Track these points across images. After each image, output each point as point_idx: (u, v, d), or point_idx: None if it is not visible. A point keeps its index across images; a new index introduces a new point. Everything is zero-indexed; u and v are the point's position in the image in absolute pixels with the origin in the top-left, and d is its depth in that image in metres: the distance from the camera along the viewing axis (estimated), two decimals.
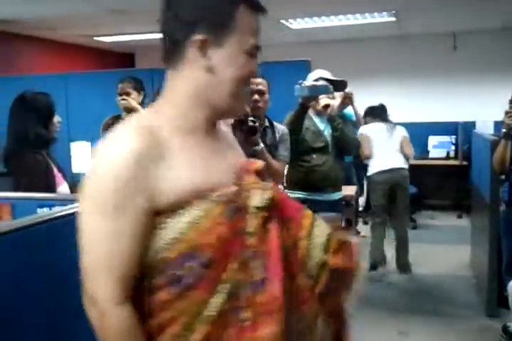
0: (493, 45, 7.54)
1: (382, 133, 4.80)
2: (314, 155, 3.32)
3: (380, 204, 4.75)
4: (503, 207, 3.54)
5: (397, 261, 4.71)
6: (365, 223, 6.59)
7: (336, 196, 3.49)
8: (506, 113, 3.24)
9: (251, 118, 2.51)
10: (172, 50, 1.05)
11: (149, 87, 4.20)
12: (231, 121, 2.26)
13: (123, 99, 3.48)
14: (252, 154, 2.68)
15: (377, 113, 5.02)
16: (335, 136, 3.39)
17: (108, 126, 3.59)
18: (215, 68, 1.03)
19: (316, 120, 3.43)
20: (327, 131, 3.42)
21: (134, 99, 3.47)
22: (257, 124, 2.53)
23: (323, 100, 3.36)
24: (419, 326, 3.67)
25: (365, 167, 6.88)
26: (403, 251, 4.68)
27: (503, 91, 5.67)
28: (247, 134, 2.49)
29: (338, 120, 3.41)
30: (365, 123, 5.12)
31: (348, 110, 5.64)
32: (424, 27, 7.25)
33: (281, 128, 2.89)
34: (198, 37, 1.01)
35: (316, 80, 3.23)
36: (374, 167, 4.83)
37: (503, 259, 3.53)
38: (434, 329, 3.60)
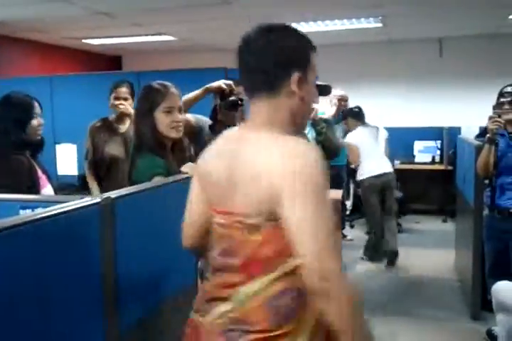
0: (478, 52, 7.62)
1: (369, 139, 5.13)
2: None
3: (377, 206, 5.12)
4: (486, 212, 3.57)
5: (387, 247, 5.08)
6: (352, 226, 6.62)
7: None
8: (490, 118, 3.28)
9: (239, 97, 2.60)
10: (271, 84, 1.32)
11: (136, 90, 4.19)
12: None
13: (121, 104, 3.46)
14: None
15: (357, 115, 5.25)
16: (318, 140, 3.40)
17: (97, 129, 3.58)
18: (305, 97, 1.36)
19: None
20: (310, 135, 3.43)
21: (130, 105, 3.48)
22: (241, 101, 2.62)
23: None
24: (402, 329, 3.69)
25: (351, 171, 6.92)
26: (393, 238, 5.09)
27: (488, 97, 5.73)
28: (230, 107, 2.61)
29: (322, 124, 3.43)
30: (346, 124, 5.26)
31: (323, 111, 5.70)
32: (411, 33, 7.32)
33: None
34: (297, 75, 1.33)
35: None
36: (366, 171, 5.11)
37: (486, 263, 3.56)
38: (420, 331, 3.63)
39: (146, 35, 7.08)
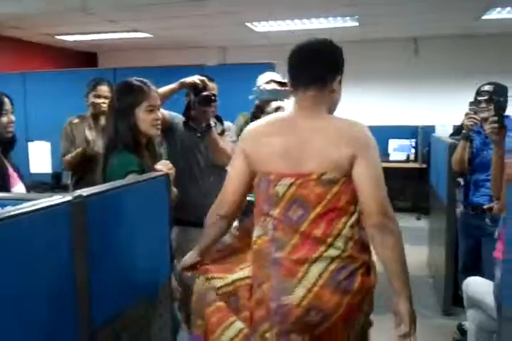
0: (453, 51, 7.73)
1: None
2: None
3: None
4: (460, 209, 3.63)
5: None
6: None
7: None
8: (466, 114, 3.35)
9: (212, 92, 2.68)
10: (321, 83, 1.76)
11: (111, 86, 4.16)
12: None
13: (104, 103, 3.44)
14: (204, 129, 2.75)
15: None
16: None
17: (76, 126, 3.55)
18: (338, 95, 1.83)
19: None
20: None
21: None
22: (214, 96, 2.68)
23: (275, 103, 3.37)
24: (376, 324, 3.72)
25: None
26: None
27: (462, 96, 5.83)
28: (204, 102, 2.64)
29: None
30: None
31: None
32: (387, 32, 7.39)
33: (227, 124, 3.00)
34: (339, 77, 1.81)
35: (268, 83, 3.24)
36: None
37: (459, 259, 3.62)
38: (390, 326, 3.66)
39: (122, 31, 7.02)
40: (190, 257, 2.02)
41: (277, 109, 3.42)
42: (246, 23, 6.52)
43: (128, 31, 7.01)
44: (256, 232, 1.77)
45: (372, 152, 1.69)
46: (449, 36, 7.61)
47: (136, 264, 1.79)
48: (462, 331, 3.36)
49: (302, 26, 6.73)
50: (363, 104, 7.87)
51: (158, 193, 2.01)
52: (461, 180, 3.97)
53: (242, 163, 1.81)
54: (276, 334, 1.63)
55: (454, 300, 3.81)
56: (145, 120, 2.22)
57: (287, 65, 1.84)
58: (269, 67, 4.46)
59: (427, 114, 7.57)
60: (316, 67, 1.77)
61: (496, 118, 2.49)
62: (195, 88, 2.70)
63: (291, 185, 1.67)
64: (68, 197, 1.38)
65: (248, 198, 3.26)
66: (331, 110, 1.81)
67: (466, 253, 3.52)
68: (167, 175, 2.04)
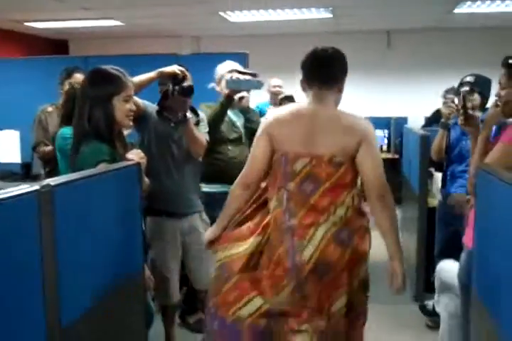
0: (425, 44, 7.81)
1: None
2: (230, 147, 3.31)
3: None
4: (439, 197, 3.67)
5: None
6: None
7: None
8: (444, 103, 3.40)
9: (189, 83, 2.66)
10: (333, 83, 2.15)
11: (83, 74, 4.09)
12: None
13: None
14: (180, 120, 2.72)
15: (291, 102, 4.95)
16: (248, 127, 3.41)
17: (50, 114, 3.50)
18: (342, 92, 2.21)
19: (230, 112, 3.40)
20: (239, 123, 3.43)
21: None
22: (191, 86, 2.66)
23: (242, 93, 3.36)
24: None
25: None
26: None
27: (434, 88, 5.90)
28: (185, 93, 2.62)
29: (251, 111, 3.46)
30: None
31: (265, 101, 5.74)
32: (360, 24, 7.41)
33: (201, 114, 2.99)
34: (345, 79, 2.21)
35: (230, 72, 3.22)
36: None
37: (435, 246, 3.66)
38: None
39: (94, 19, 6.89)
40: (212, 232, 2.27)
41: (241, 98, 3.41)
42: (220, 13, 6.46)
43: (100, 19, 6.89)
44: (272, 204, 2.11)
45: (373, 140, 2.10)
46: (421, 29, 7.68)
47: (107, 255, 1.77)
48: (426, 311, 3.41)
49: (276, 17, 6.70)
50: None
51: (129, 182, 1.98)
52: (432, 170, 4.02)
53: (266, 143, 2.13)
54: (294, 287, 2.01)
55: (425, 287, 3.87)
56: (121, 110, 2.18)
57: (303, 66, 2.23)
58: (243, 57, 4.43)
59: (399, 106, 7.64)
60: (330, 70, 2.17)
61: (461, 110, 2.52)
62: (174, 78, 2.67)
63: (306, 164, 2.04)
64: (36, 187, 1.35)
65: (206, 189, 3.27)
66: (336, 105, 2.17)
67: (444, 241, 3.55)
68: (138, 164, 2.02)
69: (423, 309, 3.49)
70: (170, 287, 2.88)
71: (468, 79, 3.31)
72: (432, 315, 3.28)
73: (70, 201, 1.50)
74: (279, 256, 2.03)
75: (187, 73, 2.73)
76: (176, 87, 2.62)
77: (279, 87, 5.43)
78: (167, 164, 2.82)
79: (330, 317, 2.03)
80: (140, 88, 2.56)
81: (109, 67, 2.21)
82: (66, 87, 3.43)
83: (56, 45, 8.81)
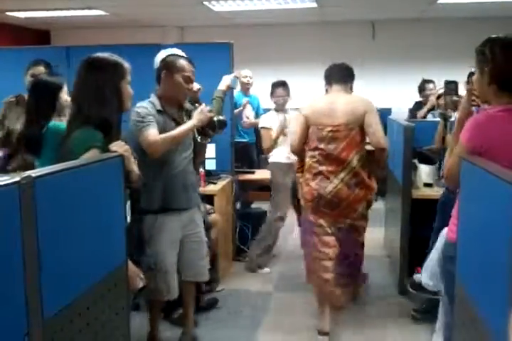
0: (409, 35, 7.82)
1: (281, 123, 4.55)
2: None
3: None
4: (444, 189, 3.66)
5: None
6: None
7: None
8: (438, 96, 3.45)
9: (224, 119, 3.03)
10: (346, 82, 3.35)
11: (64, 65, 4.04)
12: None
13: None
14: (200, 144, 3.06)
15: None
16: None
17: (9, 105, 3.45)
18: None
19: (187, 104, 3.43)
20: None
21: None
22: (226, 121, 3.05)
23: (196, 84, 3.38)
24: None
25: None
26: None
27: (418, 79, 5.92)
28: (220, 127, 3.00)
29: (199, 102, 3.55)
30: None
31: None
32: (345, 14, 7.40)
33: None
34: (353, 83, 3.42)
35: (173, 54, 3.18)
36: (276, 158, 4.54)
37: (431, 235, 3.64)
38: (349, 308, 3.74)
39: (76, 9, 6.79)
40: None
41: (198, 90, 3.65)
42: (204, 2, 6.41)
43: (83, 8, 6.79)
44: (308, 158, 3.31)
45: (374, 111, 3.21)
46: (405, 20, 7.69)
47: (90, 248, 1.75)
48: (415, 284, 3.40)
49: (261, 6, 6.66)
50: (321, 87, 7.89)
51: (112, 174, 1.96)
52: (416, 162, 4.04)
53: (303, 121, 3.31)
54: (315, 207, 3.25)
55: (409, 279, 3.89)
56: (127, 93, 2.27)
57: (327, 73, 3.46)
58: (228, 47, 4.40)
59: (383, 97, 7.66)
60: (344, 74, 3.39)
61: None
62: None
63: (330, 131, 3.18)
64: (16, 178, 1.32)
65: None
66: None
67: (441, 222, 3.54)
68: (122, 156, 1.99)
69: (413, 285, 3.48)
70: (171, 283, 2.88)
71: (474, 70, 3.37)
72: (418, 290, 3.29)
73: (52, 193, 1.48)
74: (310, 188, 3.25)
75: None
76: (217, 118, 2.96)
77: (250, 77, 5.73)
78: (173, 159, 2.83)
79: (338, 230, 3.27)
80: None
81: (108, 54, 2.28)
82: (28, 79, 3.45)
83: (38, 35, 8.67)
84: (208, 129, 2.96)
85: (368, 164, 3.23)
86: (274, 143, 4.46)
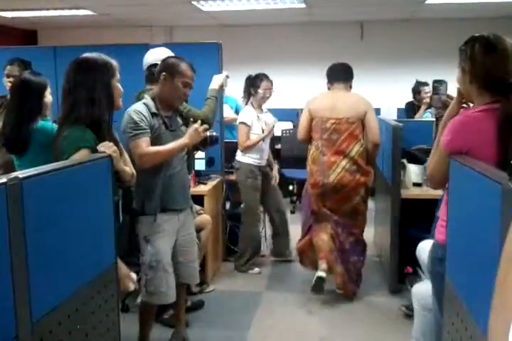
0: (397, 36, 7.85)
1: (259, 122, 4.50)
2: None
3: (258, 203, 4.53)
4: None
5: (278, 247, 4.73)
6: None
7: None
8: (430, 98, 3.51)
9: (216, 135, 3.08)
10: (346, 81, 3.90)
11: (52, 64, 4.01)
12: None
13: (9, 82, 3.39)
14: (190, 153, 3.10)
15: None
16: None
17: None
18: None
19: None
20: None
21: None
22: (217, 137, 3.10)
23: None
24: (327, 305, 3.80)
25: (275, 153, 6.96)
26: (286, 235, 4.72)
27: (406, 79, 5.96)
28: (212, 144, 3.05)
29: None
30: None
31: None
32: (333, 15, 7.41)
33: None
34: (352, 81, 3.98)
35: (174, 57, 3.18)
36: (250, 157, 4.44)
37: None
38: (340, 308, 3.75)
39: (64, 8, 6.74)
40: None
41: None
42: (193, 2, 6.39)
43: (70, 8, 6.74)
44: (312, 149, 3.82)
45: (373, 110, 3.75)
46: (394, 20, 7.72)
47: (78, 249, 1.74)
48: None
49: (249, 6, 6.65)
50: (309, 87, 7.90)
51: (100, 175, 1.94)
52: (405, 161, 4.06)
53: (308, 115, 3.82)
54: (320, 194, 3.78)
55: (399, 278, 3.91)
56: (117, 91, 2.29)
57: (328, 72, 3.93)
58: (216, 47, 4.39)
59: (372, 97, 7.65)
60: (345, 74, 3.89)
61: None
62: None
63: (333, 123, 3.69)
64: (3, 179, 1.31)
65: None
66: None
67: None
68: (110, 156, 1.98)
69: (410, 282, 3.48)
70: (171, 283, 2.87)
71: None
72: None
73: (39, 194, 1.47)
74: (316, 176, 3.75)
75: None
76: (210, 134, 2.98)
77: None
78: (172, 160, 2.84)
79: (341, 212, 3.79)
80: None
81: (96, 54, 2.28)
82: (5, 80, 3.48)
83: (25, 35, 8.61)
84: (199, 145, 2.97)
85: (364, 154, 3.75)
86: (254, 145, 4.38)
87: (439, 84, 2.79)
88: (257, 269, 4.50)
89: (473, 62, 1.91)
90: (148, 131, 2.71)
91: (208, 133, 2.94)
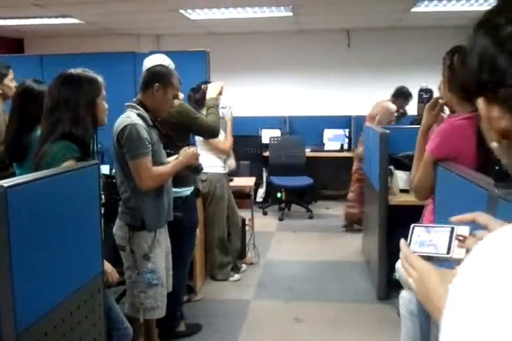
0: (383, 44, 7.91)
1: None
2: None
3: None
4: None
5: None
6: (265, 214, 6.71)
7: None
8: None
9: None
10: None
11: (39, 73, 4.00)
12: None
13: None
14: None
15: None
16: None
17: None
18: None
19: None
20: None
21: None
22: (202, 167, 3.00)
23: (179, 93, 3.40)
24: (314, 312, 3.79)
25: (263, 158, 6.98)
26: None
27: (393, 87, 6.00)
28: (197, 172, 3.01)
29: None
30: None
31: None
32: (320, 23, 7.46)
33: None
34: None
35: (163, 66, 3.13)
36: (215, 168, 4.27)
37: None
38: (328, 315, 3.74)
39: (50, 17, 6.72)
40: None
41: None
42: (180, 11, 6.40)
43: (57, 17, 6.71)
44: None
45: None
46: (379, 28, 7.79)
47: (65, 258, 1.72)
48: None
49: (237, 15, 6.68)
50: (297, 95, 7.94)
51: (87, 183, 1.93)
52: (392, 168, 4.08)
53: None
54: None
55: (387, 284, 3.92)
56: (103, 109, 2.25)
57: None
58: (204, 55, 4.40)
59: (359, 105, 7.72)
60: None
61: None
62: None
63: None
64: None
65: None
66: None
67: None
68: (97, 164, 1.97)
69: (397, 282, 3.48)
70: (165, 299, 2.83)
71: None
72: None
73: (24, 203, 1.45)
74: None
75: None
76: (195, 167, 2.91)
77: None
78: None
79: None
80: None
81: (81, 70, 2.24)
82: (8, 84, 3.37)
83: (11, 43, 8.56)
84: (188, 170, 2.91)
85: None
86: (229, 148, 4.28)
87: (424, 92, 2.83)
88: (237, 275, 4.46)
89: (452, 73, 1.95)
90: (150, 148, 2.63)
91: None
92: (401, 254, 0.96)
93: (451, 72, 1.95)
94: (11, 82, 3.34)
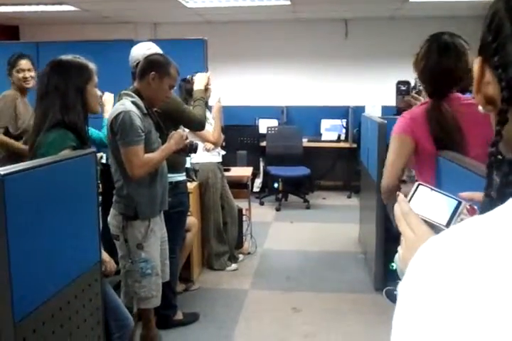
0: (382, 33, 7.87)
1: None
2: None
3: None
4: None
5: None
6: (262, 204, 6.70)
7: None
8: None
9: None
10: None
11: (35, 60, 3.94)
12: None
13: (32, 77, 3.51)
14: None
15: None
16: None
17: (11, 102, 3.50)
18: None
19: None
20: None
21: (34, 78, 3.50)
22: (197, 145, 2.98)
23: None
24: (312, 302, 3.80)
25: (260, 148, 6.98)
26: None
27: (391, 77, 5.98)
28: (193, 151, 2.97)
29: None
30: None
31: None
32: (318, 12, 7.41)
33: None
34: None
35: (161, 55, 3.11)
36: (208, 157, 4.31)
37: None
38: (325, 305, 3.75)
39: (46, 4, 6.65)
40: None
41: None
42: None
43: (53, 3, 6.64)
44: None
45: None
46: (378, 18, 7.74)
47: (62, 248, 1.71)
48: (392, 297, 3.44)
49: (234, 3, 6.62)
50: (295, 85, 7.90)
51: (84, 172, 1.92)
52: None
53: None
54: None
55: (385, 275, 3.93)
56: (94, 96, 2.24)
57: None
58: (201, 43, 4.36)
59: (357, 95, 7.70)
60: None
61: None
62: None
63: None
64: None
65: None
66: None
67: None
68: (94, 153, 1.96)
69: (389, 295, 3.52)
70: (160, 288, 2.82)
71: None
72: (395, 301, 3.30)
73: (22, 191, 1.44)
74: None
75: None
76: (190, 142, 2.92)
77: None
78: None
79: None
80: None
81: (72, 56, 2.22)
82: (15, 75, 3.47)
83: (7, 30, 8.48)
84: (180, 152, 2.90)
85: None
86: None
87: (401, 85, 2.85)
88: (234, 265, 4.47)
89: (420, 61, 2.06)
90: (144, 136, 2.62)
91: (188, 141, 2.89)
92: (397, 210, 0.88)
93: (419, 61, 2.07)
94: (16, 74, 3.40)
